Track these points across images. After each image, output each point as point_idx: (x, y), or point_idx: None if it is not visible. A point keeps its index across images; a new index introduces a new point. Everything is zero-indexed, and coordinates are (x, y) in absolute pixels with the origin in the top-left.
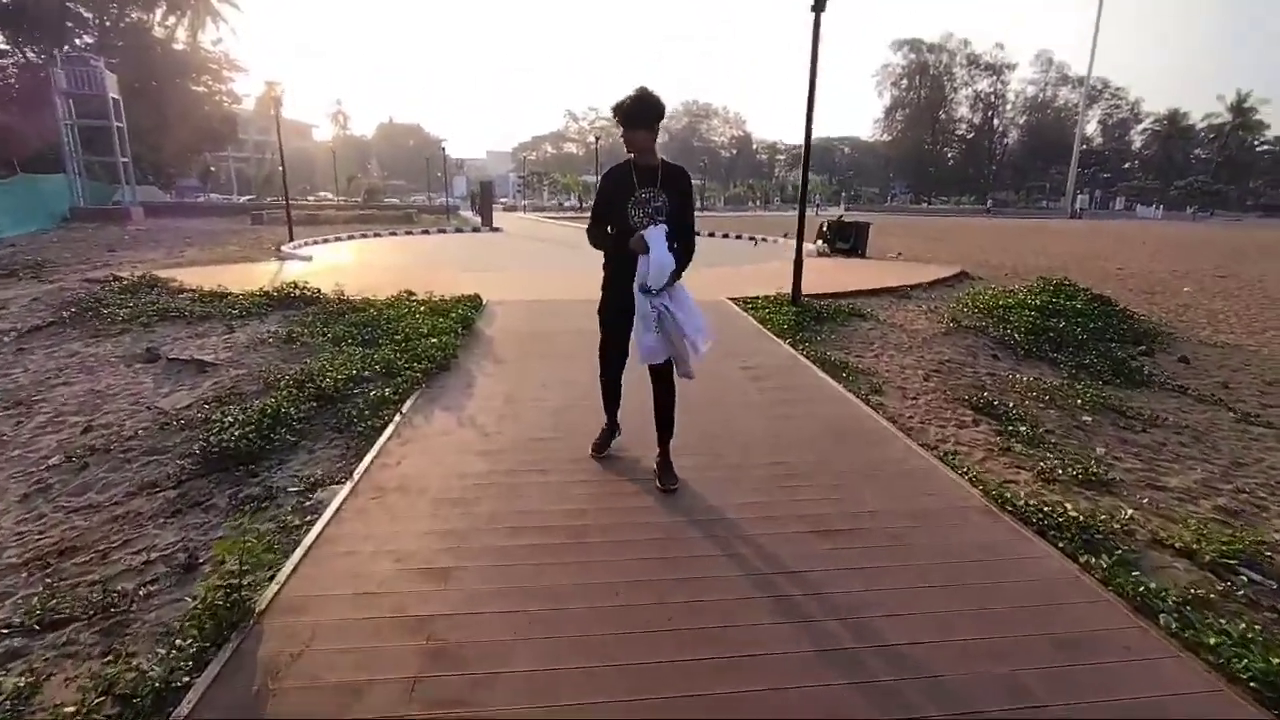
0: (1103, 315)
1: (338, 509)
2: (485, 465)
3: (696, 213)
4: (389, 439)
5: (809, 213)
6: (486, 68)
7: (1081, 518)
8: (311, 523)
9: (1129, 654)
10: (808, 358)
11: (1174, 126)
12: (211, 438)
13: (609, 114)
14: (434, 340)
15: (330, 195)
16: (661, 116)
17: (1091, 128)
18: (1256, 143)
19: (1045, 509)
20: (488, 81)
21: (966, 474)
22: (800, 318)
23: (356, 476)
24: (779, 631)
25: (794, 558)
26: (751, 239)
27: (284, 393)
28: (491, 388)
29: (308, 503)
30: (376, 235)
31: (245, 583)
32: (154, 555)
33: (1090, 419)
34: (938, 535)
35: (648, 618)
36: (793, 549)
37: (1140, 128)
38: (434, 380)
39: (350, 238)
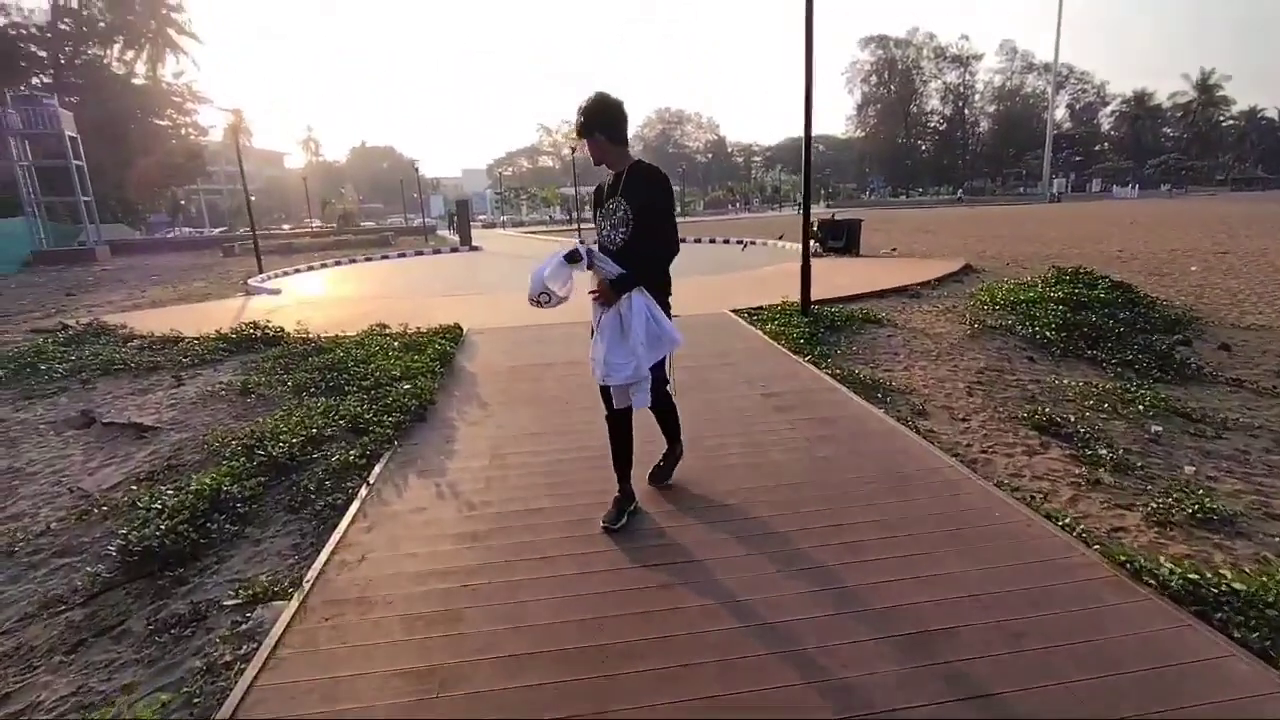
0: (1128, 304)
1: (279, 638)
2: (471, 555)
3: (678, 219)
4: (352, 522)
5: (790, 212)
6: (456, 86)
7: (1242, 587)
8: (248, 656)
9: None
10: (834, 377)
11: (1141, 107)
12: (134, 533)
13: None
14: (407, 386)
15: (313, 222)
16: (610, 121)
17: (1060, 113)
18: (1222, 119)
19: (1194, 578)
20: (459, 100)
21: (1073, 529)
22: (813, 329)
23: (307, 584)
24: None
25: (895, 684)
26: (739, 242)
27: (229, 465)
28: (474, 442)
29: (245, 624)
30: (352, 261)
31: None
32: None
33: (1160, 428)
34: (1075, 629)
35: None
36: (889, 670)
37: (1108, 110)
38: (408, 435)
39: (324, 266)
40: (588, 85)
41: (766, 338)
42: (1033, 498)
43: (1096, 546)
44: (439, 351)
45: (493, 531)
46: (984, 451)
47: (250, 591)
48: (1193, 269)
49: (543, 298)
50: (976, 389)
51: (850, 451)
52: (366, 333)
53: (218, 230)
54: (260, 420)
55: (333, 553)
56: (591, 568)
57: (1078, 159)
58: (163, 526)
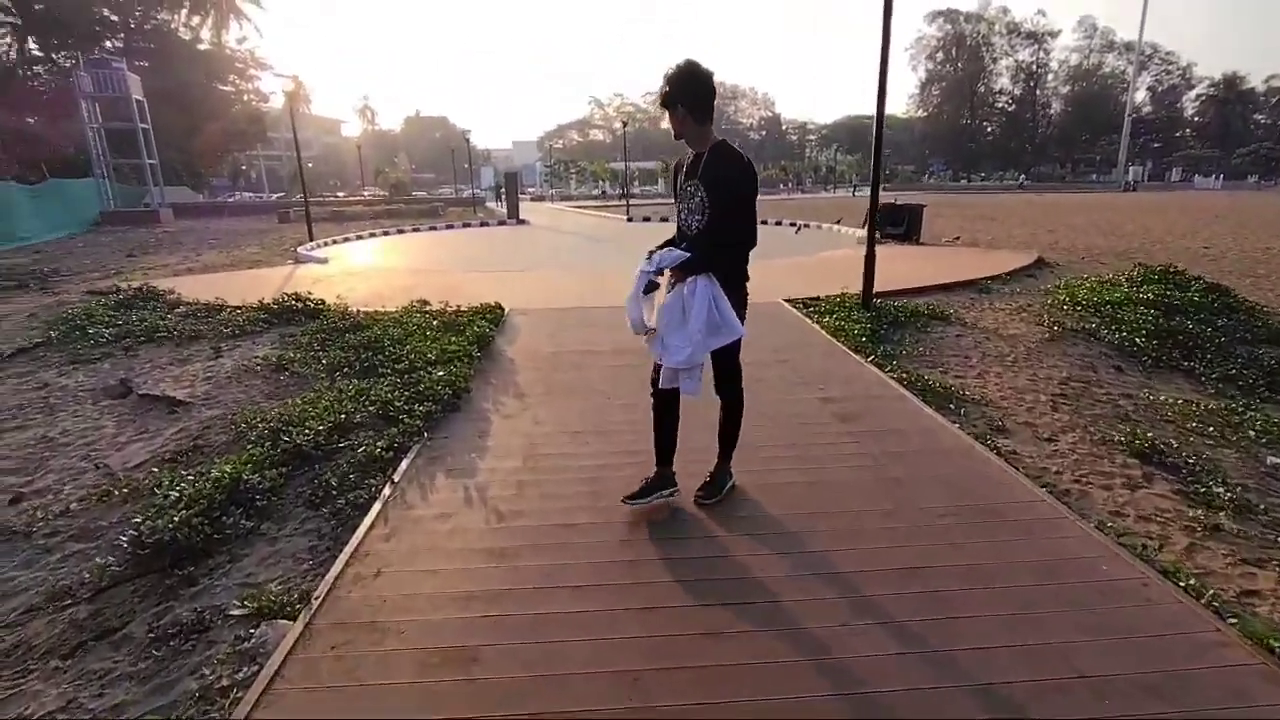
0: (1226, 309)
1: (279, 668)
2: (496, 577)
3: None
4: (371, 527)
5: (843, 194)
6: (511, 56)
7: None
8: (247, 682)
9: None
10: (901, 382)
11: (1231, 91)
12: (148, 523)
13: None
14: (441, 372)
15: (365, 191)
16: (696, 95)
17: (1140, 95)
18: None
19: None
20: (513, 70)
21: (1200, 594)
22: (876, 325)
23: (316, 600)
24: None
25: None
26: (792, 224)
27: (252, 451)
28: (509, 438)
29: (248, 643)
30: (400, 232)
31: None
32: None
33: (1278, 460)
34: None
35: None
36: None
37: (1193, 94)
38: (439, 428)
39: (372, 235)
40: (643, 70)
41: (825, 333)
42: (1144, 546)
43: (1233, 620)
44: (478, 334)
45: (522, 549)
46: (1077, 481)
47: (258, 602)
48: None
49: (646, 334)
50: (1061, 403)
51: (924, 474)
52: (406, 310)
53: (275, 196)
54: (290, 401)
55: (347, 563)
56: (629, 602)
57: (1156, 145)
58: (177, 518)
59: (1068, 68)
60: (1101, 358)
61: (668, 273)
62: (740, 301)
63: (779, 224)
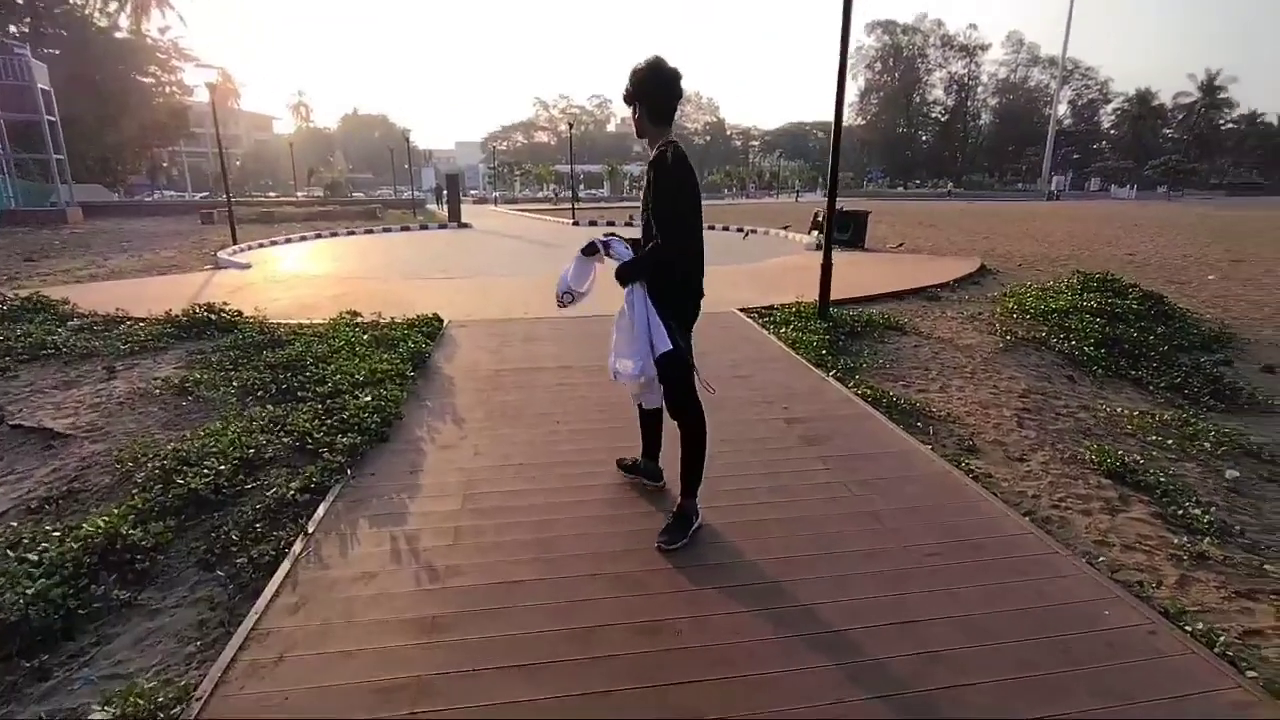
0: (1162, 316)
1: None
2: (426, 658)
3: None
4: (276, 594)
5: (787, 199)
6: (455, 55)
7: None
8: None
9: None
10: (865, 399)
11: (1144, 106)
12: None
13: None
14: (368, 398)
15: (298, 191)
16: (654, 94)
17: (1062, 109)
18: (1223, 122)
19: None
20: (457, 70)
21: (1212, 642)
22: (834, 336)
23: (197, 703)
24: None
25: None
26: (739, 230)
27: (137, 498)
28: (445, 475)
29: None
30: (334, 235)
31: None
32: None
33: (1236, 473)
34: None
35: None
36: None
37: (1110, 108)
38: (365, 462)
39: (304, 239)
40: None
41: (783, 345)
42: (1141, 584)
43: (1253, 674)
44: (413, 350)
45: (458, 619)
46: (1056, 506)
47: (125, 703)
48: (1210, 278)
49: (565, 297)
50: (1026, 418)
51: (903, 505)
52: (333, 322)
53: (200, 195)
54: (191, 432)
55: (242, 646)
56: (584, 684)
57: (1076, 156)
58: (31, 590)
59: (996, 80)
60: (1054, 367)
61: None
62: (678, 315)
63: (726, 229)
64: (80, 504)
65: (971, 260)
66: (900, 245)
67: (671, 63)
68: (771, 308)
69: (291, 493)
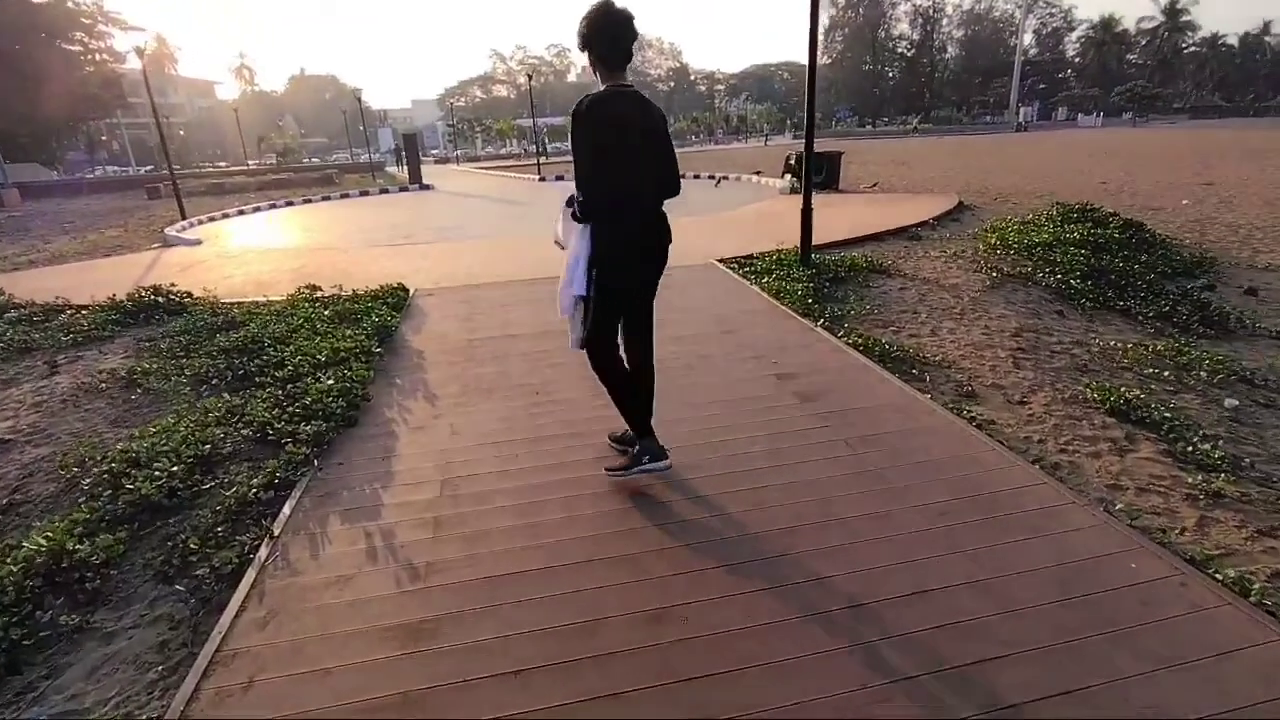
0: (1144, 245)
1: None
2: (410, 672)
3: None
4: (243, 605)
5: (756, 143)
6: (403, 6)
7: None
8: None
9: None
10: (856, 348)
11: (1108, 33)
12: None
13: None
14: (330, 381)
15: (248, 161)
16: (597, 39)
17: (1027, 39)
18: (1185, 45)
19: None
20: (407, 24)
21: (1246, 590)
22: (818, 283)
23: None
24: None
25: None
26: (711, 177)
27: (83, 508)
28: (420, 459)
29: None
30: (289, 204)
31: None
32: None
33: (1235, 401)
34: None
35: None
36: None
37: (1074, 36)
38: (332, 451)
39: (257, 210)
40: (546, 21)
41: (767, 296)
42: (1164, 531)
43: None
44: (378, 324)
45: (444, 623)
46: (1064, 450)
47: None
48: (1184, 202)
49: (558, 245)
50: (1021, 358)
51: (906, 459)
52: (291, 299)
53: (144, 169)
54: (141, 430)
55: (206, 671)
56: (593, 689)
57: (1042, 87)
58: None
59: (961, 12)
60: (1042, 303)
61: None
62: (608, 262)
63: (697, 177)
64: (22, 518)
65: (949, 197)
66: (875, 185)
67: (621, 4)
68: (751, 257)
69: (254, 491)
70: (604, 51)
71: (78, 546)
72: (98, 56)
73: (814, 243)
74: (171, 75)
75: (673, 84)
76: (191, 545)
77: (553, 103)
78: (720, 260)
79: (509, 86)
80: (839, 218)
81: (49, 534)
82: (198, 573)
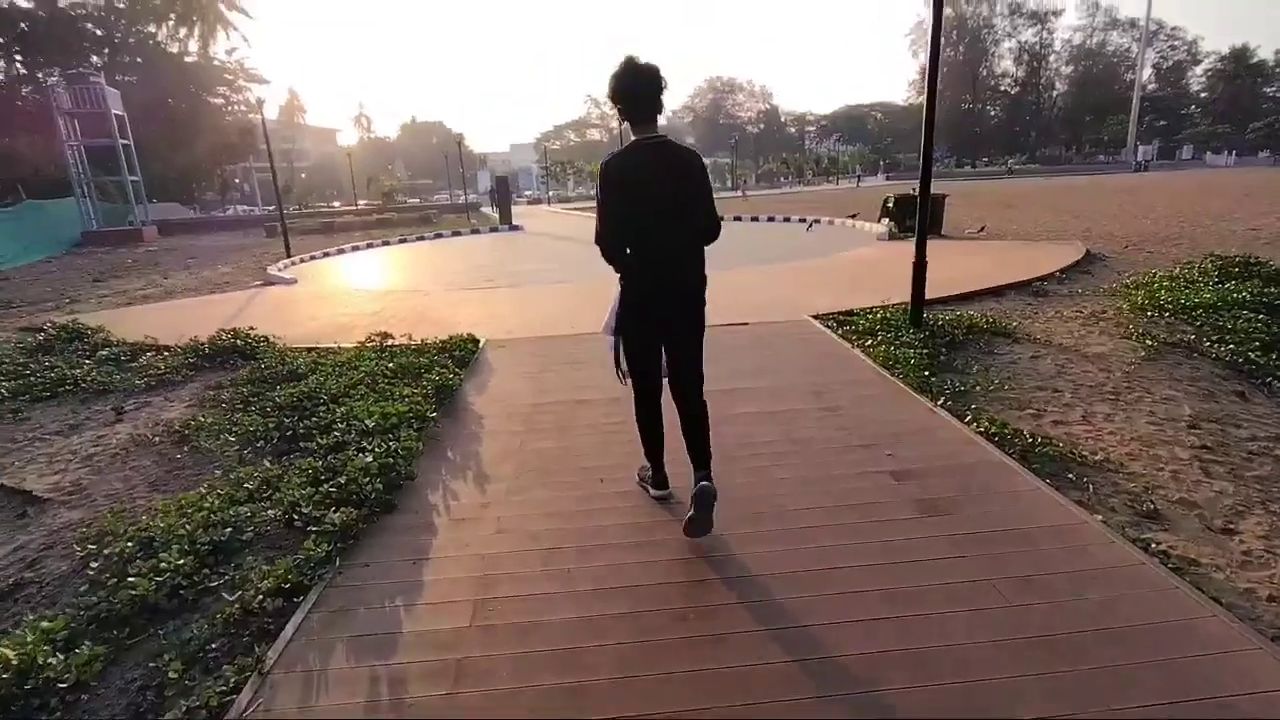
0: None
1: None
2: None
3: (717, 196)
4: None
5: (847, 185)
6: (507, 57)
7: None
8: None
9: None
10: (991, 439)
11: (1240, 65)
12: None
13: None
14: (371, 457)
15: (358, 201)
16: (619, 94)
17: (1146, 73)
18: None
19: None
20: (510, 72)
21: None
22: (932, 350)
23: None
24: None
25: None
26: (802, 220)
27: (76, 604)
28: (455, 567)
29: None
30: (385, 244)
31: None
32: None
33: None
34: None
35: None
36: None
37: (1200, 69)
38: (358, 548)
39: (355, 249)
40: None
41: (874, 364)
42: None
43: None
44: (438, 382)
45: None
46: None
47: None
48: None
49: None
50: (1210, 461)
51: (1088, 622)
52: (359, 348)
53: (269, 209)
54: (171, 499)
55: None
56: None
57: (1162, 124)
58: None
59: (1071, 47)
60: (1215, 380)
61: None
62: (633, 309)
63: (788, 220)
64: (18, 606)
65: (1072, 245)
66: (982, 230)
67: (647, 59)
68: (852, 313)
69: (260, 597)
70: (626, 106)
71: (50, 660)
72: (236, 108)
73: (926, 297)
74: (300, 124)
75: (763, 126)
76: (171, 674)
77: None
78: (815, 316)
79: (602, 130)
80: (947, 268)
81: (25, 642)
82: (168, 718)
